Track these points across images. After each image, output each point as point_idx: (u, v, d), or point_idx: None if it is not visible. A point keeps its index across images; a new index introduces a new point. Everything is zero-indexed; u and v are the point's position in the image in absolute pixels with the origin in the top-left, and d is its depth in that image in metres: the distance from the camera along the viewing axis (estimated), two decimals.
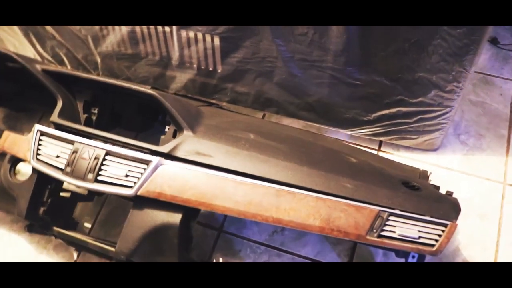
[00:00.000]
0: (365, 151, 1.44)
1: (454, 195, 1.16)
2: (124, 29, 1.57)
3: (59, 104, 1.35)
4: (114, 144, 1.21)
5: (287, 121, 1.63)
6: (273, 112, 1.64)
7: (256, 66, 1.48)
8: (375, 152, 1.66)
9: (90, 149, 1.20)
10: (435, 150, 1.62)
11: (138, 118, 1.60)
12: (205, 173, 1.14)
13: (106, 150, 1.18)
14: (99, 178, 1.18)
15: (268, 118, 1.73)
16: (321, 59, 1.36)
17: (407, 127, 1.50)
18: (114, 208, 1.68)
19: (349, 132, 1.61)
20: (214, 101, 1.67)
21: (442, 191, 1.21)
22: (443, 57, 1.25)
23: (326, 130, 1.64)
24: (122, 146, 1.20)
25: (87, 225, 1.66)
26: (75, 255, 1.62)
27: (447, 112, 1.43)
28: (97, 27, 1.62)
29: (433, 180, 1.34)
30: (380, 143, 1.68)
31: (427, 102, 1.40)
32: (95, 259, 1.58)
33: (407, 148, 1.64)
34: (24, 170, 1.42)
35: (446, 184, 1.42)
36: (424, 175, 1.33)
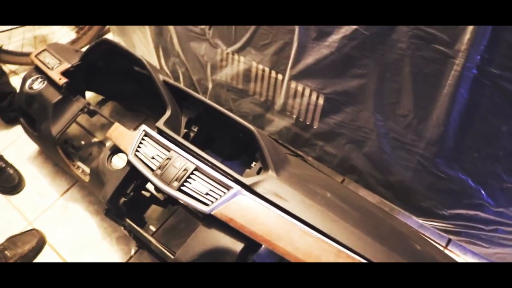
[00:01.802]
0: (432, 243, 1.43)
1: None
2: (242, 66, 1.71)
3: (168, 113, 1.48)
4: (204, 162, 1.31)
5: (363, 192, 1.66)
6: (353, 179, 1.68)
7: (350, 132, 1.54)
8: (441, 248, 1.64)
9: (182, 160, 1.31)
10: None
11: (229, 147, 1.71)
12: (277, 214, 1.20)
13: (196, 165, 1.28)
14: (182, 188, 1.27)
15: (346, 184, 1.77)
16: (413, 143, 1.39)
17: (481, 234, 1.47)
18: (180, 221, 1.78)
19: (421, 221, 1.60)
20: (301, 153, 1.73)
21: None
22: None
23: (399, 212, 1.65)
24: (211, 167, 1.30)
25: (152, 228, 1.77)
26: (133, 251, 1.73)
27: None
28: (218, 57, 1.78)
29: None
30: (449, 241, 1.66)
31: (509, 215, 1.37)
32: (148, 260, 1.68)
33: (475, 254, 1.60)
34: (118, 162, 1.57)
35: None
36: None
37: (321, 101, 1.54)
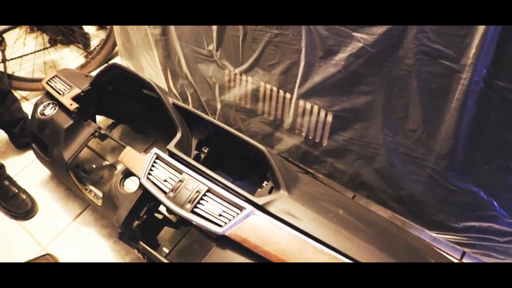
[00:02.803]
0: (445, 256, 1.43)
1: None
2: (250, 86, 1.73)
3: (178, 135, 1.50)
4: (216, 184, 1.32)
5: (375, 207, 1.66)
6: (364, 195, 1.68)
7: (359, 148, 1.55)
8: (456, 261, 1.63)
9: (194, 182, 1.32)
10: None
11: (239, 167, 1.73)
12: (290, 233, 1.21)
13: (208, 187, 1.29)
14: (195, 210, 1.28)
15: (358, 200, 1.77)
16: (423, 157, 1.40)
17: (496, 245, 1.46)
18: (193, 242, 1.78)
19: (434, 234, 1.60)
20: (311, 171, 1.74)
21: None
22: None
23: (411, 226, 1.65)
24: (223, 188, 1.31)
25: (165, 250, 1.78)
26: None
27: None
28: (226, 78, 1.80)
29: None
30: (463, 253, 1.65)
31: None
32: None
33: None
34: (130, 185, 1.59)
35: None
36: None
37: (329, 118, 1.55)
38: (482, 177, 1.35)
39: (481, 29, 1.08)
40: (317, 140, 1.66)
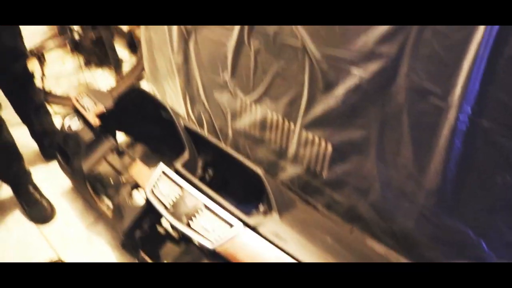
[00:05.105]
0: None
1: None
2: (259, 115, 1.82)
3: (186, 155, 1.61)
4: (212, 201, 1.40)
5: (371, 241, 1.69)
6: (359, 228, 1.71)
7: (356, 181, 1.59)
8: None
9: (192, 198, 1.41)
10: None
11: (242, 190, 1.80)
12: (276, 254, 1.28)
13: (204, 204, 1.38)
14: (190, 224, 1.37)
15: (353, 232, 1.80)
16: (414, 193, 1.43)
17: None
18: (192, 259, 1.84)
19: None
20: (310, 200, 1.80)
21: None
22: None
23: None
24: (218, 205, 1.39)
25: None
26: None
27: None
28: (238, 106, 1.91)
29: None
30: None
31: None
32: None
33: None
34: (137, 197, 1.69)
35: None
36: None
37: (329, 150, 1.62)
38: (470, 216, 1.37)
39: (465, 69, 1.14)
40: (317, 171, 1.72)
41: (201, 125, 2.23)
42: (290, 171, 1.85)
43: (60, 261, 1.89)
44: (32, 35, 2.74)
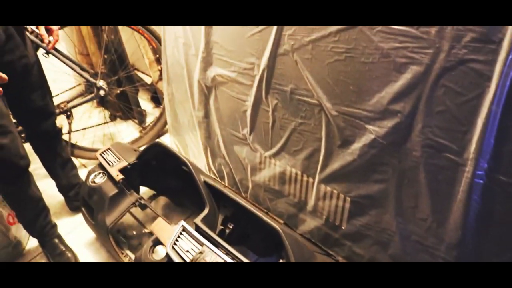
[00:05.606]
0: None
1: None
2: (278, 169, 1.85)
3: (206, 211, 1.64)
4: (231, 257, 1.42)
5: None
6: None
7: (375, 234, 1.59)
8: None
9: (212, 255, 1.43)
10: None
11: (262, 244, 1.81)
12: None
13: (224, 260, 1.40)
14: None
15: None
16: (434, 246, 1.42)
17: None
18: None
19: None
20: (332, 252, 1.80)
21: None
22: None
23: None
24: (238, 262, 1.40)
25: None
26: None
27: None
28: (257, 160, 1.95)
29: None
30: None
31: None
32: None
33: None
34: (160, 252, 1.71)
35: None
36: None
37: (347, 203, 1.63)
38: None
39: (479, 125, 1.15)
40: (336, 224, 1.73)
41: (221, 177, 2.27)
42: (310, 223, 1.85)
43: None
44: (60, 90, 2.88)
